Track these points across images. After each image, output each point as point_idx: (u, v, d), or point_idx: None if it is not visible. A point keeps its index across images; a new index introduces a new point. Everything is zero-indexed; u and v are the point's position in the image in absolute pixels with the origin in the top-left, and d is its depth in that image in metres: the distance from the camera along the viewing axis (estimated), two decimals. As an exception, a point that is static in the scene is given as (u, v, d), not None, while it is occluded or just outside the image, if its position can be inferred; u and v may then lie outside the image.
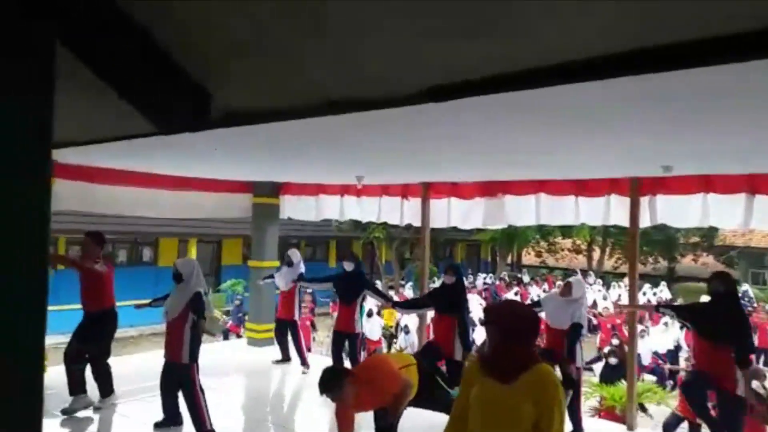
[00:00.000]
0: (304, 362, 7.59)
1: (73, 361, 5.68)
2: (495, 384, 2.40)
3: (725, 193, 5.54)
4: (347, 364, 6.91)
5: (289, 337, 7.83)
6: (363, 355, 7.53)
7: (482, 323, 2.54)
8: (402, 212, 7.87)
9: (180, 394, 5.08)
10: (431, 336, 6.60)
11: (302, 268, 7.78)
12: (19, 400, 1.48)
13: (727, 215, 5.58)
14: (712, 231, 24.16)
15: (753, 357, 5.23)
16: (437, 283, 8.76)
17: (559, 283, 21.98)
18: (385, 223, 14.53)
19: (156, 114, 2.56)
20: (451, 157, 4.93)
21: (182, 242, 19.21)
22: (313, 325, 13.49)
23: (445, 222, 7.45)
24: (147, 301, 5.83)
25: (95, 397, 5.73)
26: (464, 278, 6.19)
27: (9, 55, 1.53)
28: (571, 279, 5.94)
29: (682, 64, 1.70)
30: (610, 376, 8.64)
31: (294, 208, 9.02)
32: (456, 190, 7.28)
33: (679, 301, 16.17)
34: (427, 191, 7.44)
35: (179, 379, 4.98)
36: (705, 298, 5.42)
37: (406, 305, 8.09)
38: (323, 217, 8.94)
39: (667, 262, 27.93)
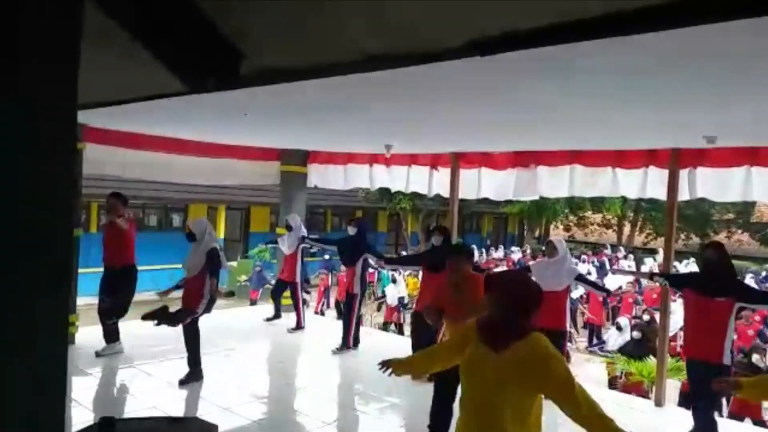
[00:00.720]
0: (298, 323, 7.83)
1: (107, 315, 6.04)
2: (486, 351, 2.40)
3: (770, 166, 5.29)
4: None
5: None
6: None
7: (485, 291, 2.49)
8: (430, 182, 7.76)
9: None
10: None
11: (304, 231, 7.96)
12: (45, 357, 1.47)
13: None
14: (748, 207, 23.48)
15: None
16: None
17: (584, 257, 21.80)
18: (412, 194, 14.50)
19: (186, 72, 2.49)
20: (484, 122, 4.78)
21: (211, 209, 19.42)
22: (326, 290, 13.72)
23: (475, 193, 7.31)
24: (170, 288, 5.81)
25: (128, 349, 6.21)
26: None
27: (32, 10, 1.47)
28: (552, 239, 5.96)
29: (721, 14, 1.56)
30: (632, 350, 8.47)
31: (322, 177, 8.97)
32: (487, 160, 7.12)
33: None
34: (457, 161, 7.30)
35: (186, 325, 5.36)
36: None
37: (395, 260, 8.30)
38: (351, 186, 8.89)
39: (699, 238, 27.31)
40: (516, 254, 21.76)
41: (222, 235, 19.43)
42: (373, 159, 8.24)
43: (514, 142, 6.17)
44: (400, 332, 12.30)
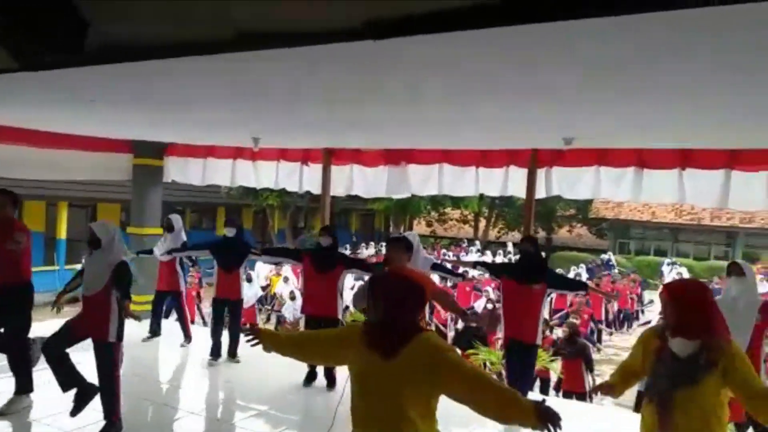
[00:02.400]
0: (187, 336, 7.16)
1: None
2: (376, 358, 2.26)
3: (618, 166, 5.77)
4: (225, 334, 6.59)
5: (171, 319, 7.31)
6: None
7: (368, 295, 2.34)
8: (301, 178, 7.51)
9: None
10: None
11: (184, 237, 7.18)
12: None
13: (618, 188, 5.83)
14: (587, 204, 26.06)
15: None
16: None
17: (444, 251, 22.81)
18: (279, 191, 14.08)
19: (17, 45, 2.06)
20: (356, 117, 4.65)
21: (51, 206, 17.39)
22: (198, 296, 12.83)
23: (347, 190, 7.22)
24: (58, 295, 4.73)
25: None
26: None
27: None
28: (405, 233, 5.98)
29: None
30: (469, 339, 8.92)
31: (180, 171, 8.33)
32: (359, 157, 7.05)
33: (559, 271, 17.22)
34: (329, 157, 7.14)
35: (101, 360, 4.33)
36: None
37: (272, 251, 7.75)
38: (213, 182, 8.34)
39: (545, 232, 29.82)
40: (371, 249, 22.15)
41: (64, 236, 17.51)
42: (237, 153, 7.80)
43: (385, 139, 6.14)
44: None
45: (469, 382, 2.17)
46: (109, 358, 4.32)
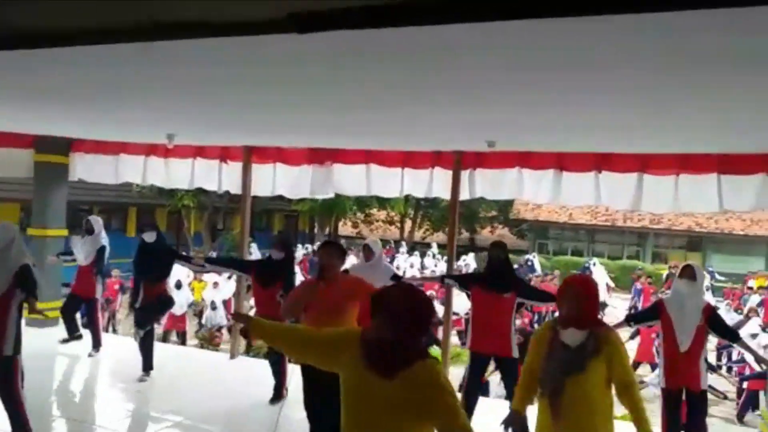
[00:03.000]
0: (97, 344, 6.69)
1: None
2: (374, 376, 2.11)
3: (538, 169, 5.88)
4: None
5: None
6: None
7: (373, 308, 2.17)
8: (220, 178, 7.18)
9: None
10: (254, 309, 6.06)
11: (105, 239, 6.77)
12: None
13: (538, 189, 5.95)
14: (508, 205, 26.86)
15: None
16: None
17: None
18: (196, 190, 13.51)
19: None
20: (277, 112, 4.46)
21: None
22: (108, 302, 12.10)
23: (270, 190, 6.96)
24: None
25: None
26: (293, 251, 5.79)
27: None
28: (367, 241, 5.87)
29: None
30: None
31: (87, 169, 7.79)
32: (282, 155, 6.82)
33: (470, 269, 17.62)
34: (249, 155, 6.86)
35: None
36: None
37: (219, 262, 7.49)
38: (124, 180, 7.87)
39: (468, 233, 30.51)
40: (306, 251, 21.84)
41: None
42: (150, 150, 7.36)
43: (309, 137, 5.96)
44: (183, 342, 11.31)
45: (449, 424, 2.07)
46: (6, 374, 3.97)
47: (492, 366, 5.68)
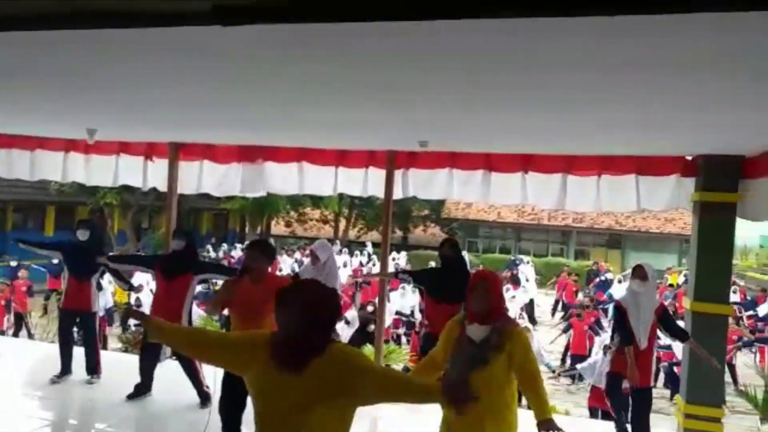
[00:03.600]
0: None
1: None
2: (283, 373, 2.08)
3: (468, 169, 6.01)
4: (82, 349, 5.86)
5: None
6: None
7: (276, 306, 2.14)
8: (145, 175, 6.90)
9: None
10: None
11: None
12: None
13: (468, 189, 6.08)
14: (439, 205, 27.34)
15: None
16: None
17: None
18: (120, 188, 12.90)
19: None
20: (206, 109, 4.33)
21: None
22: (19, 304, 11.40)
23: (197, 187, 6.76)
24: None
25: None
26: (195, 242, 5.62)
27: None
28: (314, 245, 5.85)
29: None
30: (358, 340, 8.97)
31: (3, 165, 7.30)
32: (210, 152, 6.63)
33: (408, 266, 17.86)
34: (176, 152, 6.62)
35: None
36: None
37: (122, 259, 7.18)
38: (40, 177, 7.42)
39: (402, 232, 30.81)
40: (237, 251, 21.37)
41: None
42: (70, 145, 6.97)
43: (239, 134, 5.81)
44: (104, 346, 10.78)
45: (382, 385, 2.12)
46: None
47: None
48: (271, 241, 27.69)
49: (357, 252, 23.22)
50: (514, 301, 13.34)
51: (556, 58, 2.36)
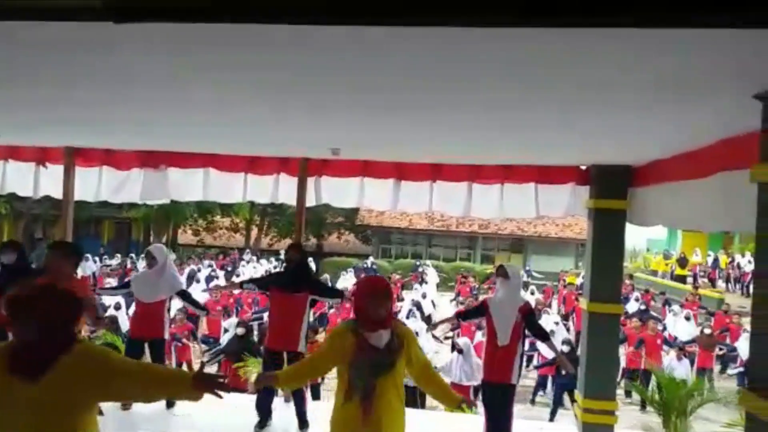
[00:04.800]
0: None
1: None
2: (20, 383, 2.01)
3: (380, 177, 6.09)
4: None
5: None
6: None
7: (11, 314, 2.08)
8: (37, 182, 6.41)
9: None
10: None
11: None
12: None
13: (380, 197, 6.16)
14: (353, 212, 27.42)
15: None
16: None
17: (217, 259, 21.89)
18: (9, 196, 11.93)
19: None
20: (102, 116, 4.10)
21: None
22: None
23: (95, 195, 6.36)
24: None
25: None
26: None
27: None
28: (150, 248, 5.76)
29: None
30: (238, 347, 8.69)
31: None
32: (110, 158, 6.27)
33: (325, 276, 17.74)
34: (71, 158, 6.21)
35: None
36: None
37: None
38: None
39: (316, 239, 30.59)
40: (141, 262, 20.32)
41: None
42: (-53, 150, 6.37)
43: (140, 139, 5.54)
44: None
45: (138, 378, 2.15)
46: None
47: None
48: (175, 250, 26.57)
49: (270, 260, 22.82)
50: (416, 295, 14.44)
51: (460, 73, 2.45)
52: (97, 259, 20.13)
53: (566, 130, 3.82)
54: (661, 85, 2.55)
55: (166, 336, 5.77)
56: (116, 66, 2.62)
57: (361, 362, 2.91)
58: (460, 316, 5.93)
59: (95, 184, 6.34)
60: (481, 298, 11.23)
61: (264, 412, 5.23)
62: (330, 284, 12.54)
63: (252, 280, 6.01)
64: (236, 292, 13.67)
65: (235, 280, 16.50)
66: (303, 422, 5.23)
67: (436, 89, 2.83)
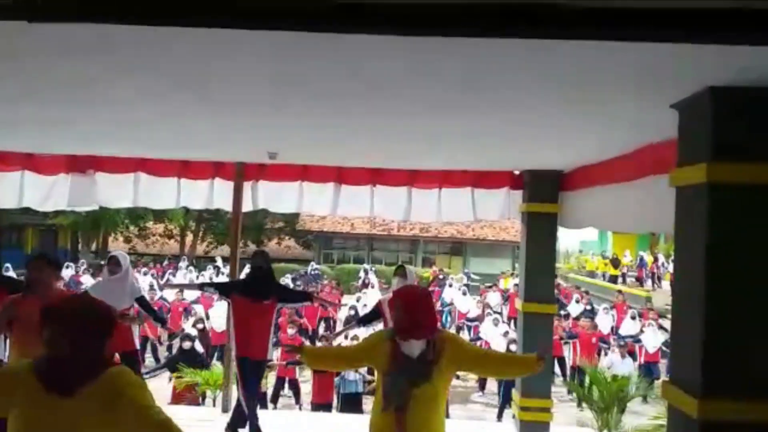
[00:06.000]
0: None
1: None
2: (52, 399, 1.94)
3: (319, 182, 6.04)
4: None
5: None
6: None
7: (44, 324, 1.99)
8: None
9: None
10: None
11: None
12: None
13: (319, 202, 6.12)
14: (294, 217, 27.13)
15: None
16: None
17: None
18: None
19: None
20: (22, 116, 3.88)
21: None
22: None
23: (18, 202, 5.98)
24: None
25: None
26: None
27: None
28: (114, 253, 5.57)
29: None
30: (189, 360, 8.43)
31: None
32: (32, 162, 5.92)
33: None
34: (-14, 161, 5.83)
35: None
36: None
37: None
38: None
39: (255, 245, 30.04)
40: (69, 270, 19.35)
41: None
42: None
43: (65, 142, 5.27)
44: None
45: (144, 423, 1.99)
46: None
47: None
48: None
49: (207, 267, 22.20)
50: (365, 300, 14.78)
51: (390, 78, 2.47)
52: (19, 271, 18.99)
53: (498, 137, 3.93)
54: (582, 96, 2.67)
55: (138, 346, 5.58)
56: (25, 64, 2.49)
57: (396, 372, 2.87)
58: (360, 321, 6.09)
59: (17, 191, 5.97)
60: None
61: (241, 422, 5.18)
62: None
63: (213, 284, 5.84)
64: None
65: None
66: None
67: (371, 96, 2.85)
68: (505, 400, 9.83)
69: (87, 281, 16.51)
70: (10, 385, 1.99)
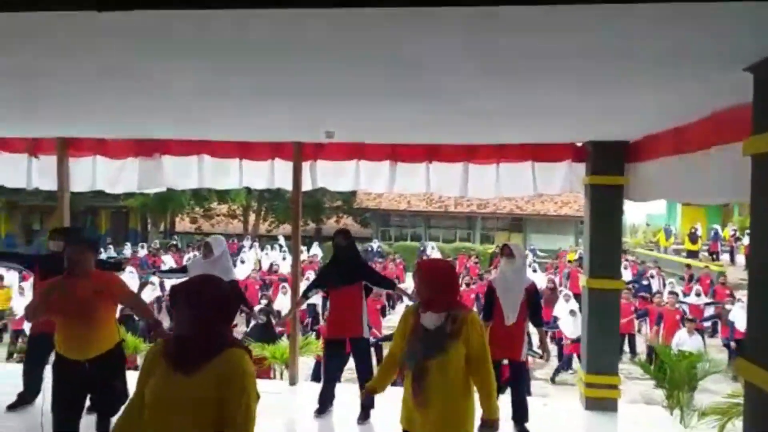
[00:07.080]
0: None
1: None
2: (178, 377, 2.04)
3: (375, 160, 6.05)
4: None
5: None
6: None
7: (173, 304, 2.10)
8: (30, 173, 6.38)
9: None
10: None
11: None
12: None
13: (376, 179, 6.13)
14: (351, 196, 27.39)
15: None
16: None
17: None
18: (2, 188, 11.87)
19: None
20: (92, 106, 4.06)
21: None
22: None
23: (89, 185, 6.33)
24: None
25: None
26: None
27: None
28: (209, 239, 5.78)
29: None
30: (259, 335, 8.74)
31: None
32: (103, 147, 6.23)
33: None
34: (64, 148, 6.17)
35: None
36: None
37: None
38: None
39: (314, 224, 30.62)
40: (143, 250, 20.32)
41: None
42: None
43: (133, 127, 5.49)
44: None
45: (233, 413, 2.04)
46: None
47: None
48: (173, 238, 26.57)
49: (268, 246, 22.78)
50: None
51: (443, 54, 2.42)
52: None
53: (561, 108, 3.79)
54: (654, 60, 2.53)
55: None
56: (98, 54, 2.58)
57: (413, 342, 2.92)
58: (485, 317, 4.89)
59: (90, 174, 6.31)
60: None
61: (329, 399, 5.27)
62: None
63: (309, 288, 5.76)
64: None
65: (242, 267, 16.44)
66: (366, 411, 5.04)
67: (430, 78, 2.80)
68: (561, 366, 9.63)
69: (168, 261, 17.37)
70: (150, 365, 2.14)
